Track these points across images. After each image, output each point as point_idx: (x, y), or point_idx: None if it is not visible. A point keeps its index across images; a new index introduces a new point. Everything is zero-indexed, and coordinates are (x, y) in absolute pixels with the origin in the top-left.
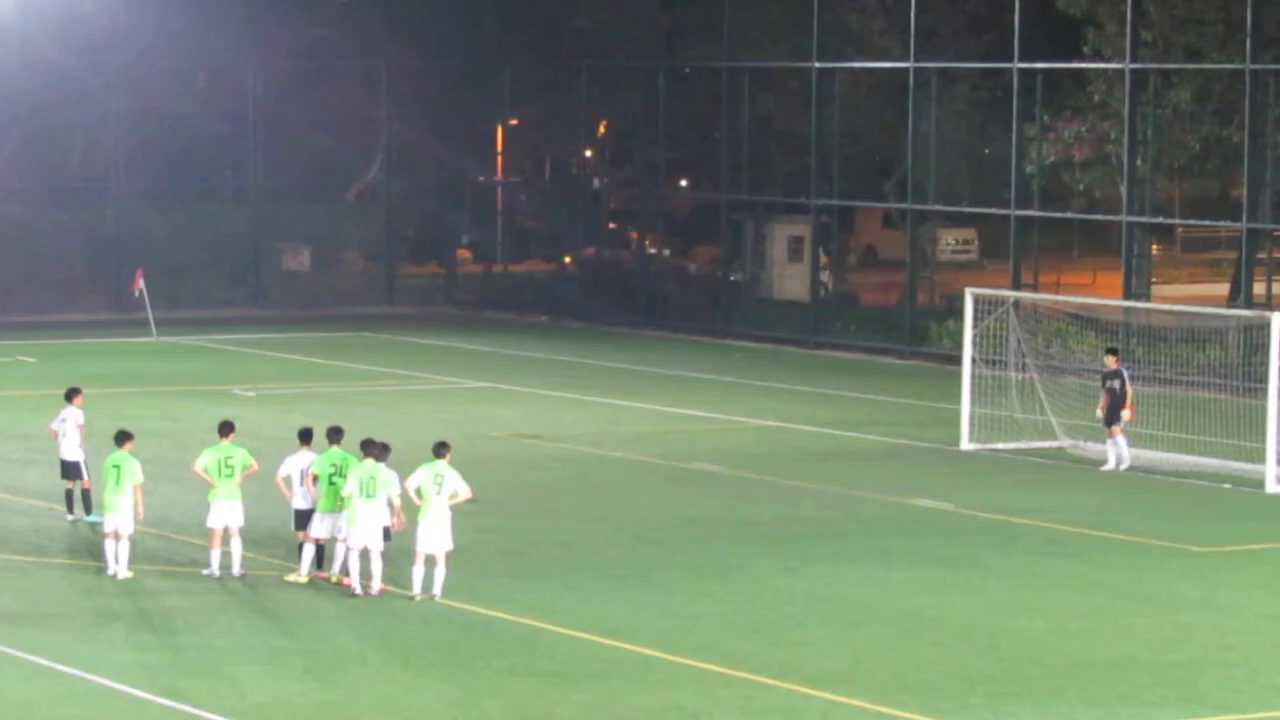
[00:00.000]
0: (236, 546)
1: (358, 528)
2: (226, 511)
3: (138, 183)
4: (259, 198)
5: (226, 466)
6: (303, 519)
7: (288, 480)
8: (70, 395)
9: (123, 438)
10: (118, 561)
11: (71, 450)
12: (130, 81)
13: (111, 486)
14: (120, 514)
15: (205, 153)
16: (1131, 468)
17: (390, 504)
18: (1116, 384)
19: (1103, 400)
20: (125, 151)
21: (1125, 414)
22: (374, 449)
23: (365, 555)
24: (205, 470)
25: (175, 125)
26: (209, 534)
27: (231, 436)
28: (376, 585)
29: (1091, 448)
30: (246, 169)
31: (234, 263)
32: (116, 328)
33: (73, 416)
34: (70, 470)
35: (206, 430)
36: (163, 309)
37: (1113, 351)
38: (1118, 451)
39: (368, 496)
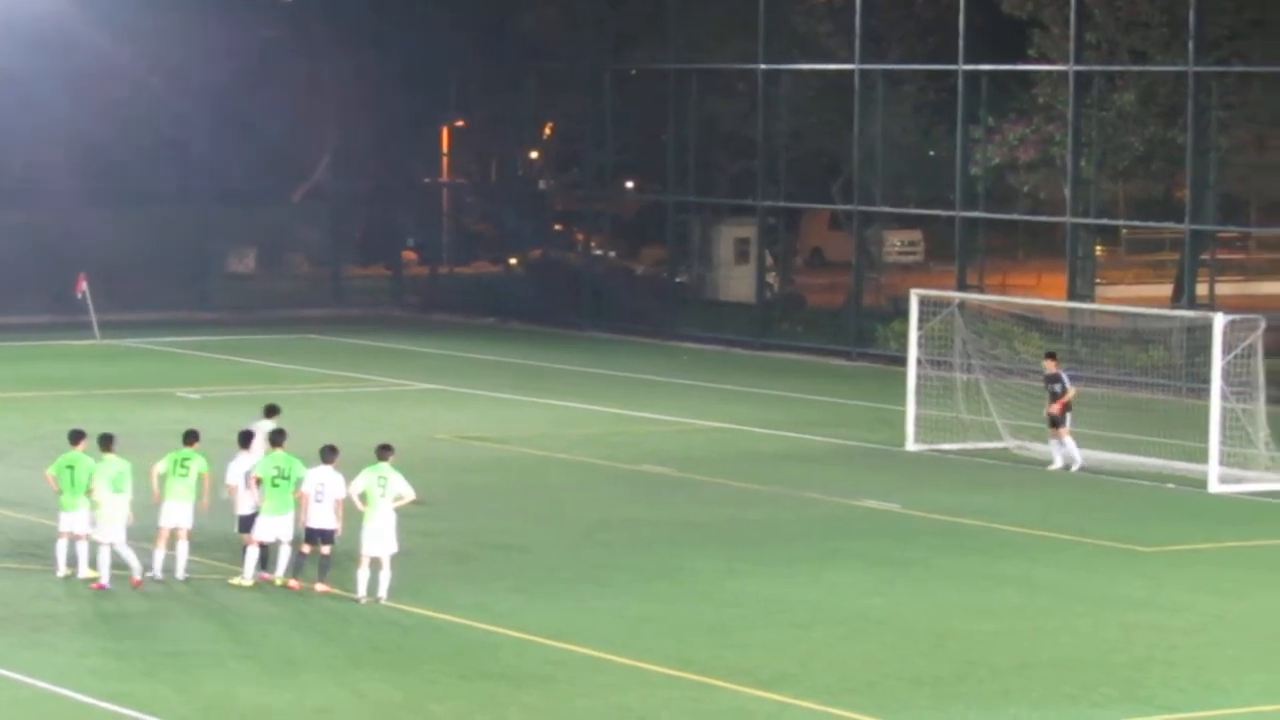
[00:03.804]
0: (183, 550)
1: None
2: (177, 512)
3: (81, 185)
4: (204, 200)
5: (182, 467)
6: (247, 523)
7: (235, 485)
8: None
9: (76, 436)
10: (73, 564)
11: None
12: (74, 83)
13: (67, 487)
14: (77, 514)
15: (150, 155)
16: (1071, 467)
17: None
18: (1057, 387)
19: (1048, 403)
20: (69, 153)
21: (1054, 410)
22: (327, 454)
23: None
24: (160, 477)
25: (119, 127)
26: (157, 533)
27: (196, 445)
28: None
29: (1036, 448)
30: (191, 171)
31: (178, 265)
32: (59, 330)
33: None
34: None
35: (151, 434)
36: (106, 312)
37: (1051, 356)
38: (1065, 453)
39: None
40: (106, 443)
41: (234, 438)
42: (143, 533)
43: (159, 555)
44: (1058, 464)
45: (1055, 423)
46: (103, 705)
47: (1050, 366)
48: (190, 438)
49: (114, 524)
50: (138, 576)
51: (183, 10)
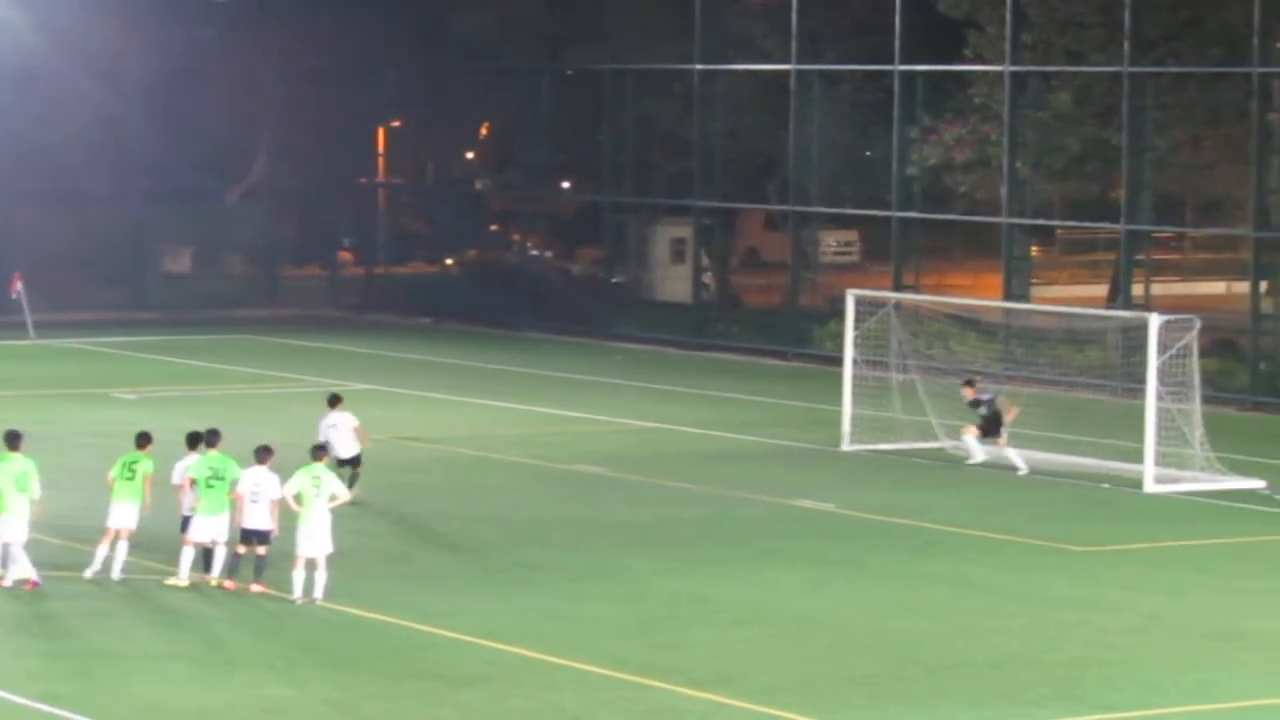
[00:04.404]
0: (121, 550)
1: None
2: (122, 513)
3: (16, 184)
4: (140, 199)
5: (129, 469)
6: (189, 523)
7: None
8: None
9: (13, 439)
10: (5, 565)
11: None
12: (8, 83)
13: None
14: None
15: (85, 154)
16: (1007, 466)
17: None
18: (983, 409)
19: (981, 427)
20: (3, 153)
21: (1010, 414)
22: (262, 453)
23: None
24: (112, 480)
25: (54, 127)
26: (103, 533)
27: (148, 449)
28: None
29: (972, 448)
30: (127, 171)
31: (114, 265)
32: None
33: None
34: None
35: (86, 433)
36: (42, 311)
37: (969, 383)
38: (1006, 456)
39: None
40: (13, 441)
41: (170, 438)
42: (77, 533)
43: (101, 551)
44: (1022, 468)
45: (990, 432)
46: (36, 706)
47: (969, 394)
48: (142, 440)
49: (16, 522)
50: (34, 577)
51: (117, 9)
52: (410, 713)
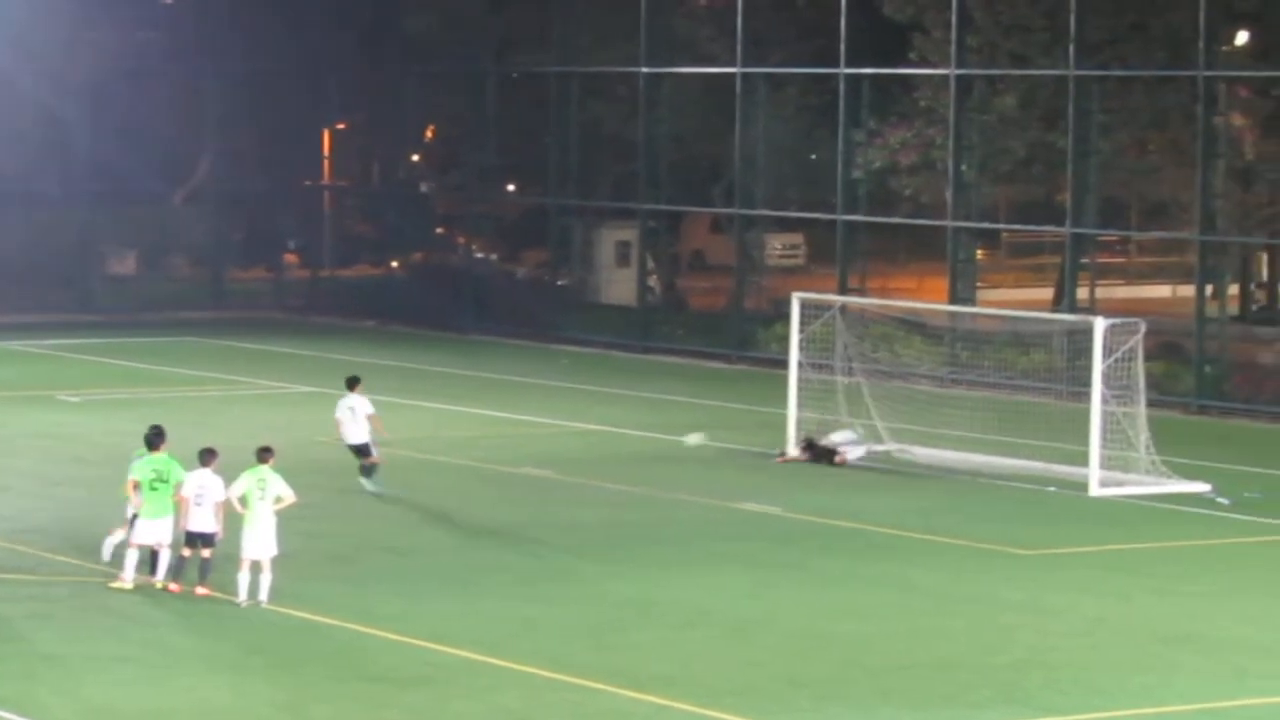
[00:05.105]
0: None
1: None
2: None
3: None
4: (84, 201)
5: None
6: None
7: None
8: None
9: None
10: None
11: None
12: None
13: None
14: None
15: (29, 156)
16: (952, 470)
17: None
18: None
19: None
20: None
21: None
22: (205, 456)
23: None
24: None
25: None
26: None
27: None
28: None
29: (917, 451)
30: (71, 172)
31: (59, 267)
32: None
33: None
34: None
35: (31, 436)
36: None
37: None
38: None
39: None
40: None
41: (112, 440)
42: (20, 535)
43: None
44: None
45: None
46: None
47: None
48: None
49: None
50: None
51: (61, 11)
52: (355, 714)
